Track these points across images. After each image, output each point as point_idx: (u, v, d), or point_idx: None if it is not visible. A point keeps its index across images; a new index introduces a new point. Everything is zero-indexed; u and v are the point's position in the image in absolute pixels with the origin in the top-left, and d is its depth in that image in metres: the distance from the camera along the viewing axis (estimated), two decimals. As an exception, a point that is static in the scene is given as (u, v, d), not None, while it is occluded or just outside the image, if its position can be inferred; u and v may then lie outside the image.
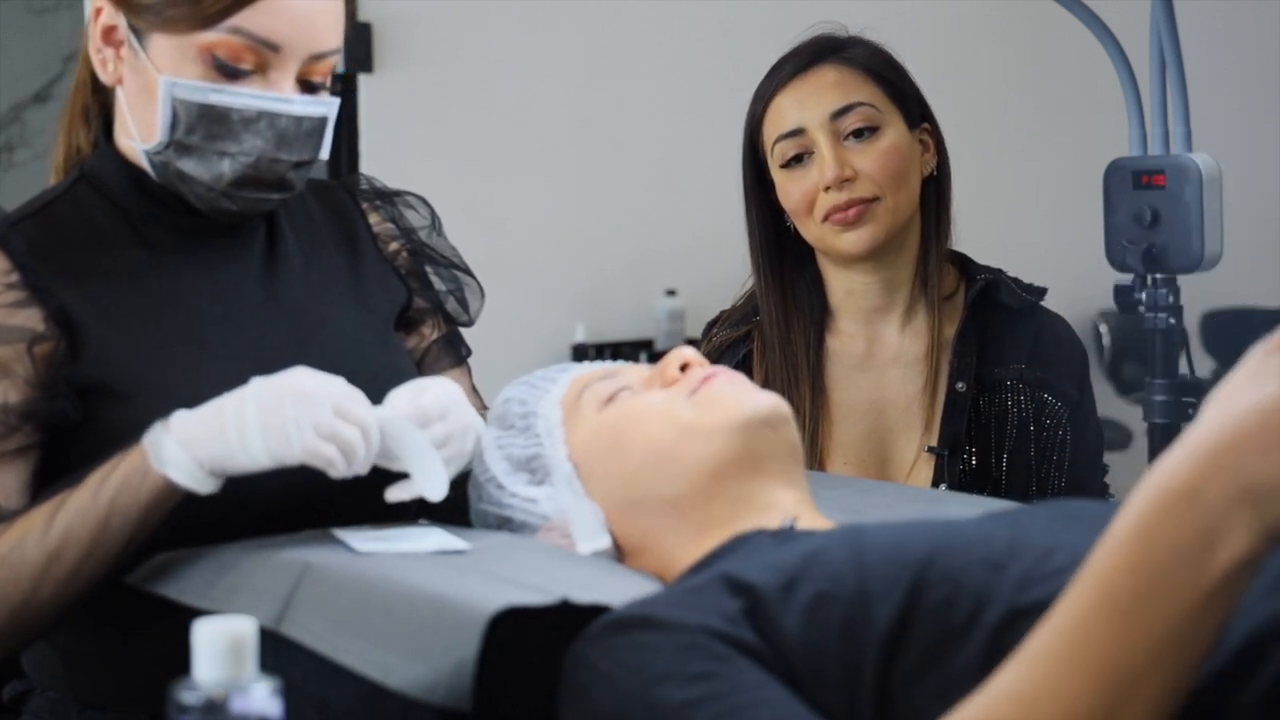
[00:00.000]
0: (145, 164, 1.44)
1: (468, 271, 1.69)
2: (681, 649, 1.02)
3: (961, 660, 0.98)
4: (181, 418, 1.29)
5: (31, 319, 1.38)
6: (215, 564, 1.29)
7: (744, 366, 1.95)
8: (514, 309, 3.55)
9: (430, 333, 1.65)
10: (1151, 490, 0.87)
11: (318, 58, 1.42)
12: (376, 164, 3.53)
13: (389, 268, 1.63)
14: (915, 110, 1.94)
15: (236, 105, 1.39)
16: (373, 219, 1.64)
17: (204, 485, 1.30)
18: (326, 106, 1.45)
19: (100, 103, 1.51)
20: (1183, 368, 2.15)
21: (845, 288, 1.96)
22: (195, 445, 1.28)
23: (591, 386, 1.38)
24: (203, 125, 1.39)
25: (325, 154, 1.47)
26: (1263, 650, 0.93)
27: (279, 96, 1.40)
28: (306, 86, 1.44)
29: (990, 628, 0.98)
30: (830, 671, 1.01)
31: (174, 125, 1.39)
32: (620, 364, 1.45)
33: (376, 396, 1.42)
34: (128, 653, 1.42)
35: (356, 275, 1.58)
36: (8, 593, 1.30)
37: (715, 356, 1.96)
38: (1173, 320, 2.12)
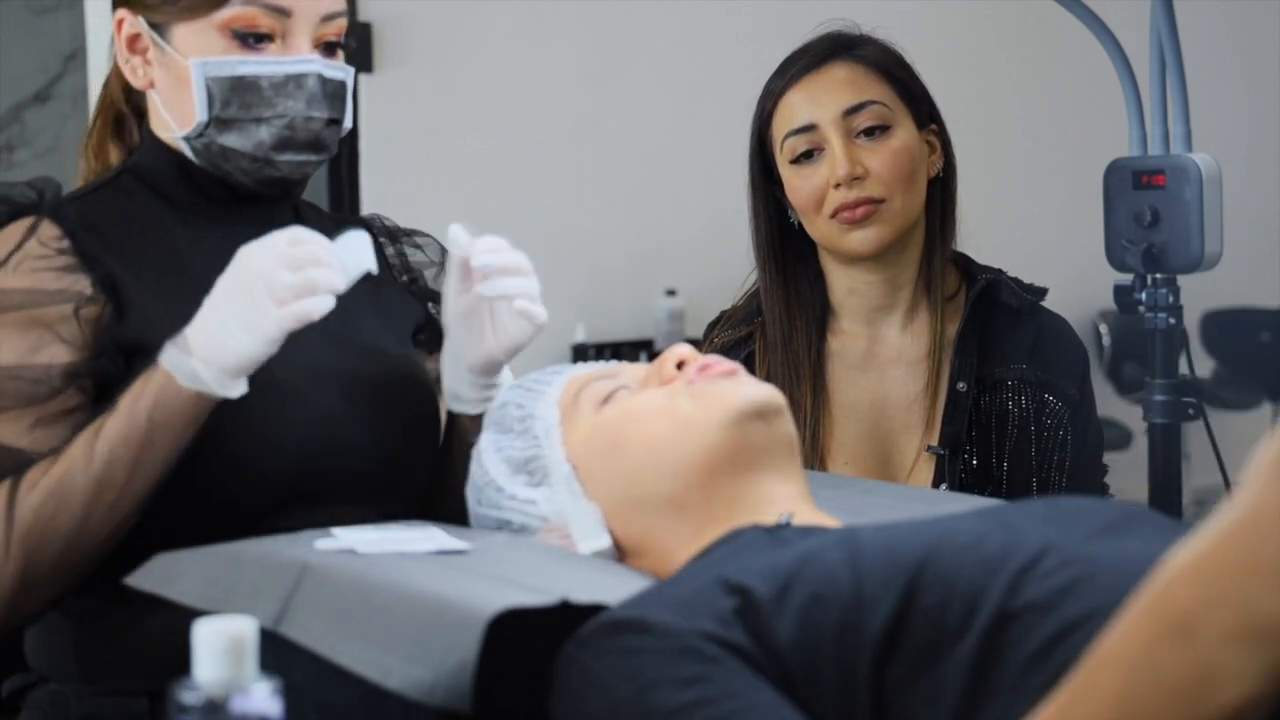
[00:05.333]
0: (188, 153, 1.52)
1: None
2: (674, 653, 1.02)
3: (953, 663, 0.98)
4: (192, 332, 1.36)
5: (79, 283, 1.44)
6: (214, 564, 1.29)
7: (746, 367, 1.95)
8: (514, 309, 3.54)
9: (434, 365, 1.69)
10: (1147, 612, 0.78)
11: (328, 19, 1.51)
12: (376, 164, 3.53)
13: (404, 290, 1.69)
14: (924, 111, 1.94)
15: (265, 72, 1.48)
16: (389, 251, 1.71)
17: (233, 389, 1.36)
18: (345, 72, 1.54)
19: (136, 115, 1.59)
20: (1183, 368, 2.15)
21: (848, 286, 1.96)
22: (210, 357, 1.35)
23: (588, 387, 1.38)
24: (236, 97, 1.48)
25: (349, 121, 1.55)
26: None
27: (301, 59, 1.49)
28: (326, 50, 1.53)
29: (980, 630, 0.99)
30: (826, 674, 1.01)
31: (210, 103, 1.48)
32: (616, 364, 1.45)
33: (403, 396, 1.53)
34: (138, 629, 1.44)
35: (376, 294, 1.61)
36: (60, 521, 1.35)
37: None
38: (1173, 320, 2.12)
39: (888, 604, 1.02)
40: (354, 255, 1.41)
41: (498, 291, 1.48)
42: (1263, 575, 0.73)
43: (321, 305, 1.35)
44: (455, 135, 3.68)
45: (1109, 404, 4.26)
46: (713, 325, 2.05)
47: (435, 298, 1.69)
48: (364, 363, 1.54)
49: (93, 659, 1.47)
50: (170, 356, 1.36)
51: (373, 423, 1.52)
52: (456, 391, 1.54)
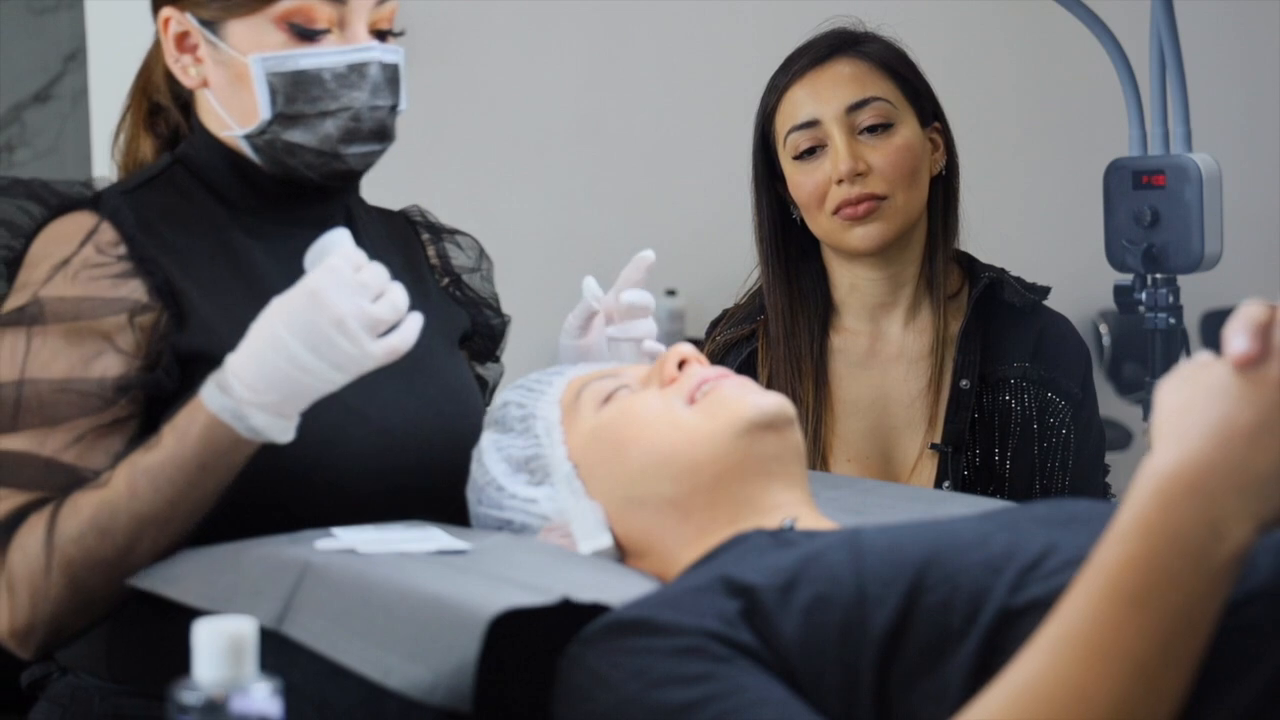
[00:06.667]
0: (247, 150, 1.48)
1: (499, 314, 1.73)
2: (680, 651, 1.02)
3: (956, 662, 0.98)
4: (244, 379, 1.30)
5: (136, 290, 1.42)
6: (215, 564, 1.29)
7: (748, 365, 1.95)
8: (514, 309, 3.54)
9: (482, 372, 1.71)
10: (1153, 485, 0.91)
11: (382, 2, 1.49)
12: (376, 164, 3.53)
13: (448, 294, 1.67)
14: (928, 108, 1.95)
15: (327, 64, 1.44)
16: (429, 251, 1.69)
17: (289, 433, 1.33)
18: (399, 55, 1.52)
19: (180, 106, 1.55)
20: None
21: (850, 283, 1.97)
22: (276, 405, 1.30)
23: (590, 386, 1.38)
24: (300, 91, 1.44)
25: (405, 103, 1.53)
26: (1258, 648, 0.93)
27: (361, 46, 1.46)
28: (378, 36, 1.50)
29: (983, 629, 0.99)
30: (829, 673, 1.01)
31: (273, 99, 1.44)
32: (617, 364, 1.45)
33: (452, 405, 1.52)
34: (173, 635, 1.42)
35: (423, 297, 1.60)
36: (103, 553, 1.33)
37: (719, 356, 1.96)
38: (1173, 320, 2.12)
39: (891, 604, 1.02)
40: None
41: (626, 334, 1.54)
42: (1251, 440, 0.89)
43: (411, 331, 1.32)
44: (455, 135, 3.68)
45: (1109, 404, 4.25)
46: (715, 324, 2.05)
47: (483, 303, 1.68)
48: (417, 376, 1.51)
49: (123, 660, 1.45)
50: (219, 402, 1.31)
51: (428, 437, 1.51)
52: None
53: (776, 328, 1.95)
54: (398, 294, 1.32)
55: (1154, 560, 0.89)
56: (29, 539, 1.34)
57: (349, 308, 1.29)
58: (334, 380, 1.31)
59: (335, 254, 1.32)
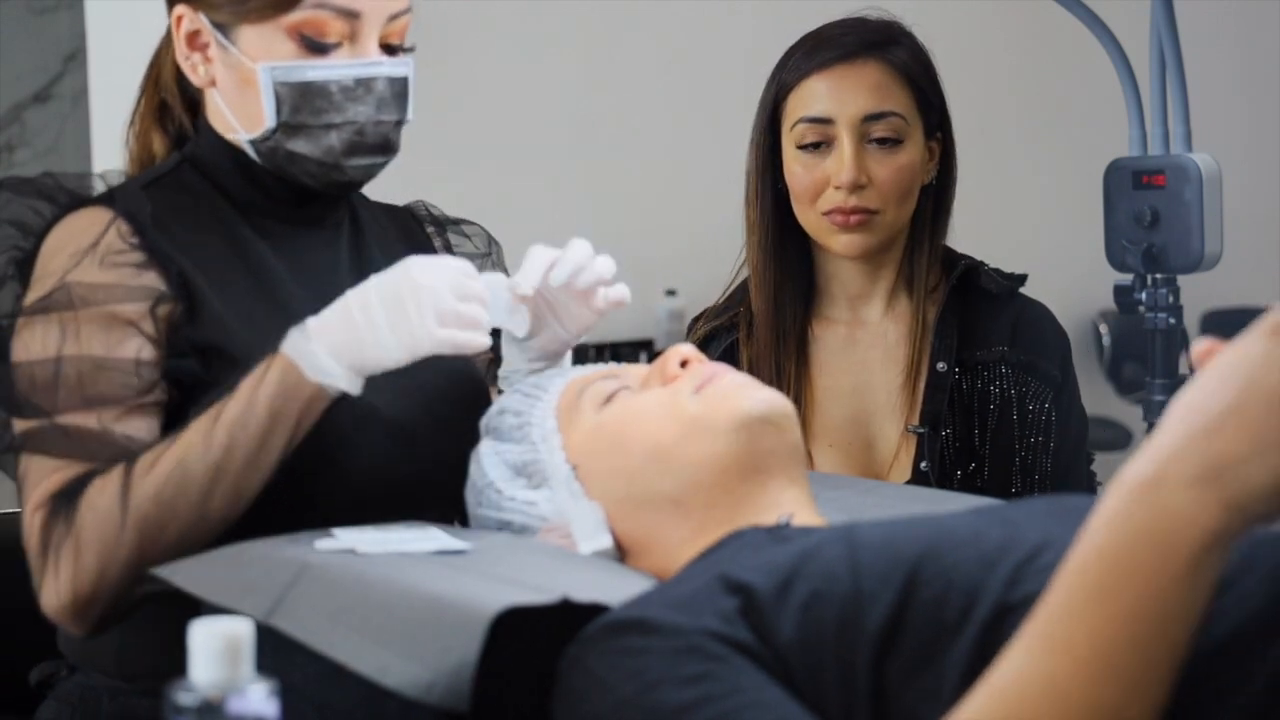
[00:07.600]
0: (250, 153, 1.50)
1: None
2: (678, 652, 1.02)
3: (952, 658, 0.98)
4: (318, 325, 1.36)
5: (154, 280, 1.43)
6: (215, 562, 1.29)
7: (730, 354, 1.96)
8: (514, 309, 3.54)
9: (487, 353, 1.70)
10: (1119, 482, 0.91)
11: (394, 18, 1.50)
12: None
13: None
14: (935, 121, 1.95)
15: (335, 77, 1.46)
16: (436, 244, 1.70)
17: (354, 387, 1.37)
18: (407, 67, 1.53)
19: (186, 103, 1.56)
20: (1183, 368, 2.15)
21: (830, 270, 1.98)
22: (341, 352, 1.35)
23: (590, 387, 1.38)
24: (306, 103, 1.45)
25: (410, 114, 1.54)
26: (1258, 646, 0.93)
27: (370, 61, 1.48)
28: (387, 50, 1.51)
29: (979, 624, 0.99)
30: (827, 670, 1.01)
31: (279, 108, 1.45)
32: (618, 365, 1.45)
33: (465, 399, 1.52)
34: (184, 631, 1.42)
35: None
36: (178, 507, 1.34)
37: (701, 347, 1.96)
38: (1173, 320, 2.13)
39: (887, 599, 1.02)
40: (494, 303, 1.43)
41: (593, 277, 1.50)
42: (1212, 428, 0.88)
43: (477, 341, 1.36)
44: (455, 135, 3.68)
45: (1109, 404, 4.26)
46: (695, 320, 2.06)
47: None
48: (427, 370, 1.49)
49: (134, 659, 1.45)
50: (297, 346, 1.35)
51: (440, 430, 1.51)
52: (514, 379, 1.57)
53: (761, 302, 1.95)
54: (481, 312, 1.37)
55: (1115, 552, 0.89)
56: (100, 498, 1.34)
57: (430, 282, 1.34)
58: (388, 346, 1.35)
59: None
